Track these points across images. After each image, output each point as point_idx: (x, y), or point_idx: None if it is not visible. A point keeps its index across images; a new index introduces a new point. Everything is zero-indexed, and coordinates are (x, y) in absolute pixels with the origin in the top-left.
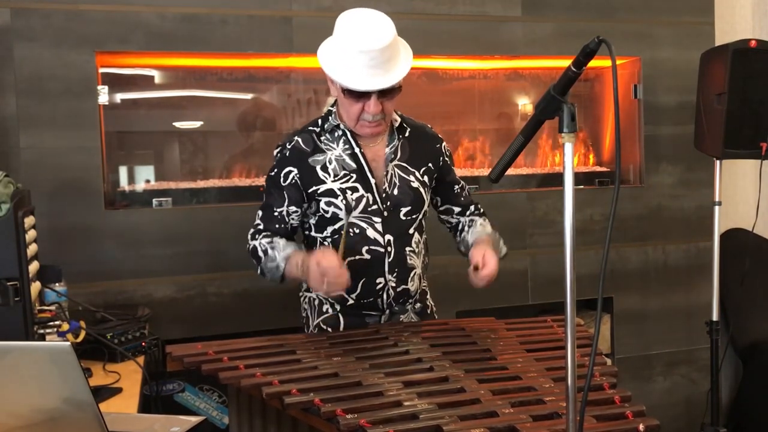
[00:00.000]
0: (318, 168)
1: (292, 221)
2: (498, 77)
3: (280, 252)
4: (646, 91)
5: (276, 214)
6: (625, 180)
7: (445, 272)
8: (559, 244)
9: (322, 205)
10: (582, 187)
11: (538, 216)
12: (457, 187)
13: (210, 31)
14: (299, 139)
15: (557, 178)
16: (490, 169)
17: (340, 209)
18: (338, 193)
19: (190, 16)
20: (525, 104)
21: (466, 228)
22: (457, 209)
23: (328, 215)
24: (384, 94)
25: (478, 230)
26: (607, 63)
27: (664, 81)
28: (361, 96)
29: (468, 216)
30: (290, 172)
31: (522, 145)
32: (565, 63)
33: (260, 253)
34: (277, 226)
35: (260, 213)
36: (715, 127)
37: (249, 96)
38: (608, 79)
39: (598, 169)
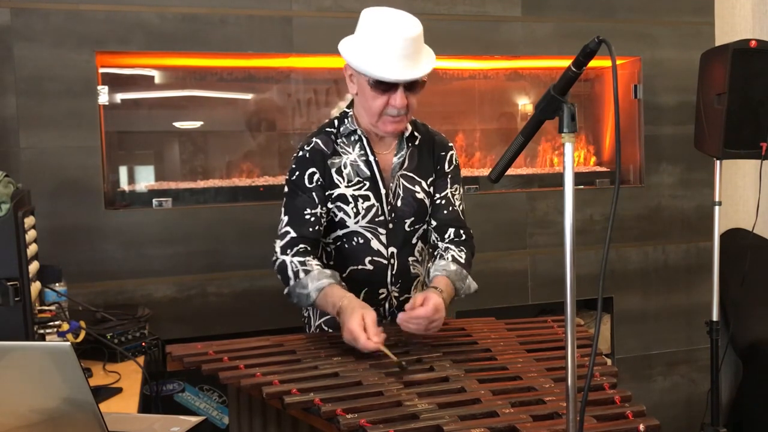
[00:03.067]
0: (333, 171)
1: (324, 222)
2: (498, 77)
3: (314, 281)
4: (646, 91)
5: (308, 216)
6: (625, 180)
7: None
8: (559, 244)
9: (332, 209)
10: (582, 187)
11: (538, 216)
12: (438, 196)
13: (210, 31)
14: (318, 140)
15: (557, 178)
16: (490, 170)
17: (349, 216)
18: (350, 200)
19: (190, 16)
20: (525, 104)
21: (437, 259)
22: (433, 222)
23: (336, 219)
24: (410, 87)
25: (441, 266)
26: (607, 63)
27: (664, 81)
28: (388, 89)
29: (445, 242)
30: (314, 173)
31: (522, 145)
32: (565, 63)
33: (290, 274)
34: (310, 229)
35: (286, 219)
36: (715, 127)
37: (249, 96)
38: (608, 79)
39: (598, 169)
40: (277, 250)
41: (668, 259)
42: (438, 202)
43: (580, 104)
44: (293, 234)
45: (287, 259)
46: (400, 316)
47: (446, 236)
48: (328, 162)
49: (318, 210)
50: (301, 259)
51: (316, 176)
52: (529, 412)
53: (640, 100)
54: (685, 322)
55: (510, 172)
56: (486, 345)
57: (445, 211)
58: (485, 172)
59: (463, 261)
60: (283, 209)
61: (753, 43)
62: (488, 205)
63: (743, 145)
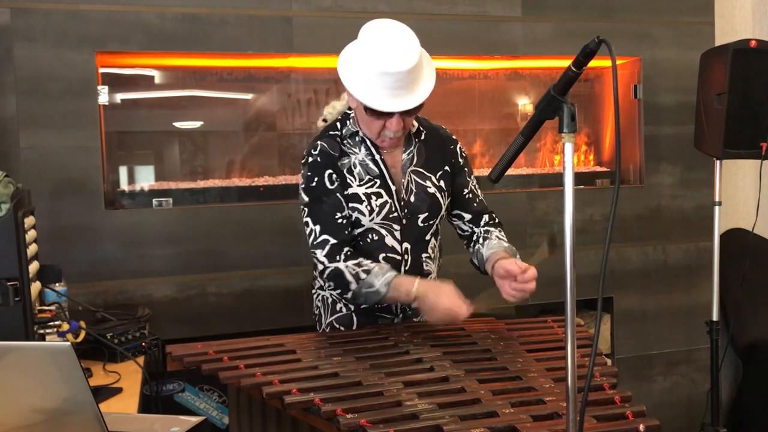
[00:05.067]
0: (345, 171)
1: (353, 222)
2: (498, 77)
3: (378, 277)
4: (646, 91)
5: (340, 220)
6: (625, 180)
7: (445, 272)
8: (559, 244)
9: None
10: (582, 187)
11: (538, 216)
12: (466, 191)
13: (210, 31)
14: (324, 144)
15: (557, 178)
16: (490, 169)
17: (364, 215)
18: (363, 198)
19: (190, 16)
20: (525, 104)
21: (481, 240)
22: (467, 216)
23: (351, 219)
24: (406, 111)
25: (494, 244)
26: (607, 63)
27: (664, 81)
28: (383, 114)
29: (483, 226)
30: (331, 174)
31: (522, 145)
32: (565, 63)
33: (349, 277)
34: (345, 232)
35: (318, 228)
36: (715, 127)
37: (249, 96)
38: (608, 79)
39: (598, 169)
40: (323, 259)
41: (668, 259)
42: (467, 196)
43: (580, 104)
44: (333, 240)
45: (340, 265)
46: (510, 286)
47: (482, 222)
48: (338, 163)
49: (346, 212)
50: (355, 261)
51: (334, 177)
52: (529, 412)
53: (640, 100)
54: (685, 322)
55: (510, 172)
56: (486, 345)
57: (475, 203)
58: (485, 172)
59: (506, 240)
60: (309, 219)
61: (753, 43)
62: (488, 205)
63: (743, 145)
